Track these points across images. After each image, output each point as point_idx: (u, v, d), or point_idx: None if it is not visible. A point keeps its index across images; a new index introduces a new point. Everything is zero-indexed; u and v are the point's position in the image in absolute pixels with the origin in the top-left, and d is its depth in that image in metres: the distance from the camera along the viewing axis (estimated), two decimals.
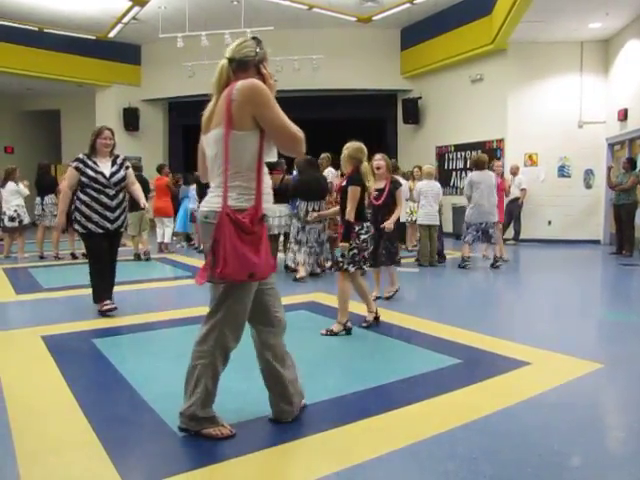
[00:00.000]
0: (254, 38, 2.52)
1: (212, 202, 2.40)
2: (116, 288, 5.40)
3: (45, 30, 13.37)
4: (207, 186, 2.55)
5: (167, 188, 10.29)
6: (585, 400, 3.11)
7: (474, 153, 12.66)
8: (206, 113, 2.49)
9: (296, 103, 15.83)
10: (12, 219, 9.13)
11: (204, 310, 5.34)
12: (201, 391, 2.50)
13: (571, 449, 2.49)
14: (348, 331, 4.38)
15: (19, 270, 7.92)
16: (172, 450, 2.46)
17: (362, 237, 4.42)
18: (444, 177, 12.91)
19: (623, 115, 10.63)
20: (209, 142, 2.45)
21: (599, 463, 2.38)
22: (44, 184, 9.57)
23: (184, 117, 16.36)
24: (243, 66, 2.44)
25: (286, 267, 7.51)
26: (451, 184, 13.31)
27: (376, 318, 4.59)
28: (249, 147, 2.37)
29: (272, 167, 7.87)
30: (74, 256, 9.28)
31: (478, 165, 8.25)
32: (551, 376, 3.41)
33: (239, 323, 2.52)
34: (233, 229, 2.30)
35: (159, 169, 10.72)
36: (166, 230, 10.31)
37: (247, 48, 2.47)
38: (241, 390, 3.17)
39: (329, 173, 8.22)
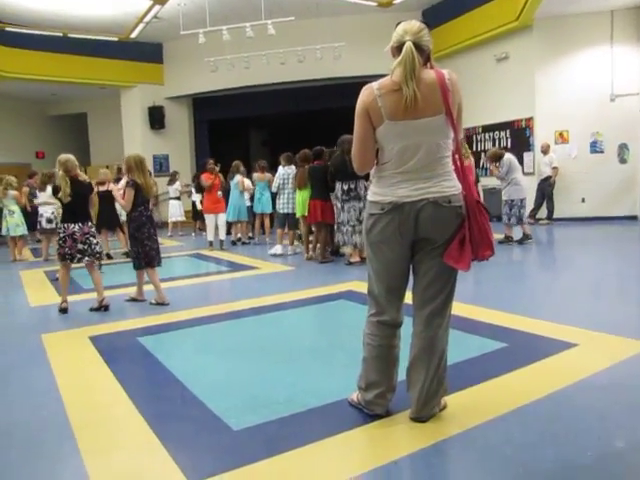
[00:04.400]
0: (427, 24, 2.42)
1: (447, 186, 2.37)
2: (152, 286, 5.53)
3: (69, 35, 13.54)
4: (365, 177, 2.60)
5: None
6: (637, 381, 3.06)
7: (502, 133, 12.52)
8: (404, 97, 2.26)
9: (319, 92, 15.88)
10: (49, 221, 9.35)
11: (245, 303, 5.45)
12: (446, 364, 2.58)
13: (629, 432, 2.45)
14: None
15: (49, 273, 8.09)
16: (229, 444, 2.50)
17: None
18: (473, 159, 12.73)
19: None
20: (421, 130, 2.31)
21: None
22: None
23: (209, 112, 16.50)
24: (421, 53, 2.35)
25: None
26: (480, 166, 13.12)
27: None
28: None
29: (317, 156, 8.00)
30: (109, 257, 9.44)
31: (498, 157, 8.92)
32: (600, 357, 3.36)
33: None
34: (485, 214, 2.40)
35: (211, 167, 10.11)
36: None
37: (426, 36, 2.39)
38: (291, 381, 3.21)
39: None
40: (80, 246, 5.32)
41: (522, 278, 6.68)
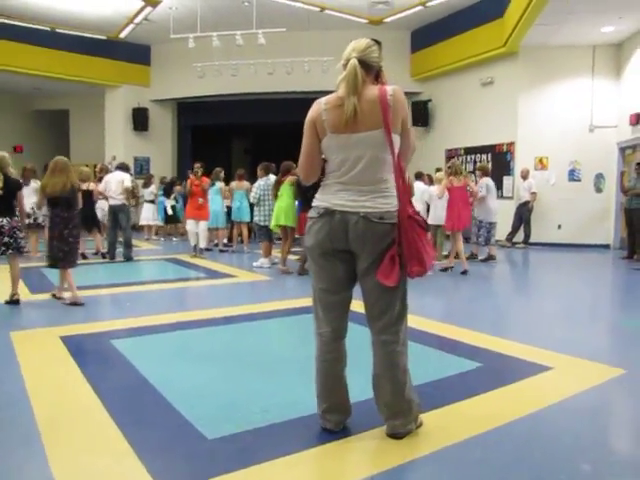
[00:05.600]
0: (377, 42, 2.49)
1: (382, 203, 2.38)
2: (132, 288, 5.42)
3: (57, 30, 13.39)
4: (314, 186, 2.60)
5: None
6: (611, 406, 3.10)
7: (484, 156, 12.70)
8: (345, 111, 2.34)
9: (306, 104, 15.92)
10: (28, 216, 9.16)
11: (223, 311, 5.40)
12: (411, 380, 2.59)
13: (602, 456, 2.48)
14: None
15: (32, 269, 7.92)
16: (203, 453, 2.46)
17: None
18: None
19: (635, 119, 10.59)
20: (359, 143, 2.37)
21: (630, 471, 2.37)
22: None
23: (193, 117, 16.42)
24: (368, 70, 2.43)
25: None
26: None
27: None
28: (397, 149, 2.44)
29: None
30: (84, 256, 9.28)
31: (486, 171, 9.41)
32: (574, 381, 3.40)
33: None
34: (419, 230, 2.39)
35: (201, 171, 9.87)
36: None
37: (374, 52, 2.46)
38: (268, 392, 3.17)
39: None
40: (6, 239, 5.47)
41: (498, 299, 6.74)
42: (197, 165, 9.86)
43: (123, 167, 9.82)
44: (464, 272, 7.73)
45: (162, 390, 3.20)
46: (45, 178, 5.76)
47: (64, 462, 2.35)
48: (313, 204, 2.53)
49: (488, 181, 9.19)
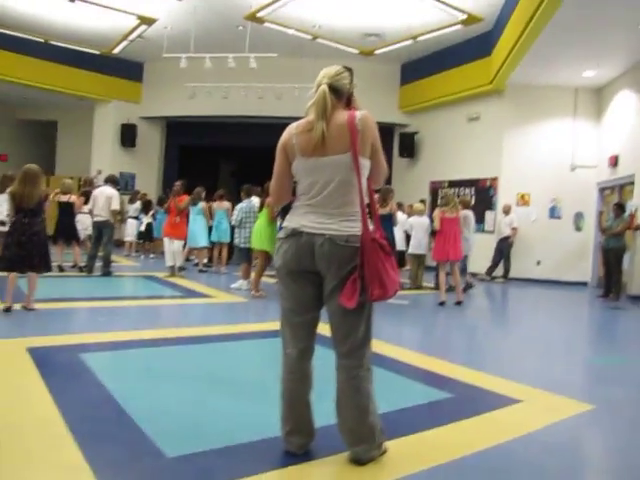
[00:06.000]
0: (348, 69, 2.54)
1: (348, 226, 2.40)
2: (106, 303, 5.37)
3: (51, 42, 13.43)
4: (287, 208, 2.62)
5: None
6: (578, 441, 3.11)
7: (467, 190, 12.87)
8: (313, 135, 2.39)
9: None
10: (2, 223, 9.03)
11: (196, 331, 5.35)
12: (375, 406, 2.53)
13: None
14: None
15: (3, 279, 7.80)
16: (160, 471, 2.41)
17: None
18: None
19: (614, 161, 10.84)
20: (326, 167, 2.41)
21: None
22: None
23: (181, 137, 16.46)
24: (338, 95, 2.47)
25: None
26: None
27: None
28: (366, 174, 2.47)
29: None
30: (61, 268, 9.18)
31: (467, 205, 9.66)
32: (542, 415, 3.40)
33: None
34: (382, 254, 2.38)
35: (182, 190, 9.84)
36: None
37: (345, 79, 2.51)
38: (234, 413, 3.13)
39: None
40: None
41: (473, 331, 6.76)
42: (177, 183, 9.85)
43: (112, 181, 9.63)
44: (441, 303, 7.75)
45: (126, 406, 3.14)
46: (15, 186, 5.73)
47: (12, 474, 2.28)
48: (282, 225, 2.57)
49: (470, 214, 9.40)
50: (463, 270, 9.16)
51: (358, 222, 2.41)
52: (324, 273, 2.43)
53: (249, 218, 8.46)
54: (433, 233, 8.62)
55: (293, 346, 2.55)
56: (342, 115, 2.43)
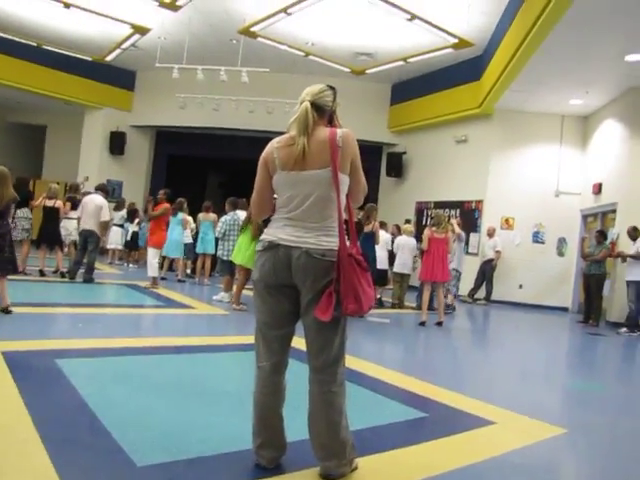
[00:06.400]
0: (331, 87, 2.60)
1: (325, 240, 2.42)
2: (86, 310, 5.33)
3: (43, 46, 13.43)
4: (267, 221, 2.62)
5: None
6: (548, 463, 3.12)
7: (453, 212, 12.97)
8: (289, 151, 2.45)
9: None
10: None
11: (174, 341, 5.33)
12: (347, 422, 2.53)
13: None
14: None
15: None
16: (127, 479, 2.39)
17: None
18: (421, 232, 13.08)
19: (598, 189, 11.01)
20: (305, 181, 2.44)
21: None
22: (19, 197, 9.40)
23: (170, 147, 16.47)
24: (320, 113, 2.52)
25: None
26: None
27: None
28: (346, 190, 2.51)
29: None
30: (42, 273, 9.10)
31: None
32: (515, 437, 3.42)
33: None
34: (358, 268, 2.40)
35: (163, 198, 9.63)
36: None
37: (328, 97, 2.56)
38: (207, 424, 3.12)
39: None
40: None
41: (452, 352, 6.79)
42: (161, 192, 9.80)
43: (103, 190, 9.55)
44: (422, 323, 7.78)
45: (99, 413, 3.11)
46: None
47: None
48: (260, 238, 2.59)
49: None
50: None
51: (335, 237, 2.44)
52: (300, 287, 2.44)
53: (232, 231, 8.49)
54: (422, 253, 8.71)
55: (266, 359, 2.56)
56: (323, 131, 2.47)
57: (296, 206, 2.48)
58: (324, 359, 2.46)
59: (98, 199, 9.18)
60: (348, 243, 2.47)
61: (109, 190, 9.77)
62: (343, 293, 2.35)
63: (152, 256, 9.25)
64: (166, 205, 9.52)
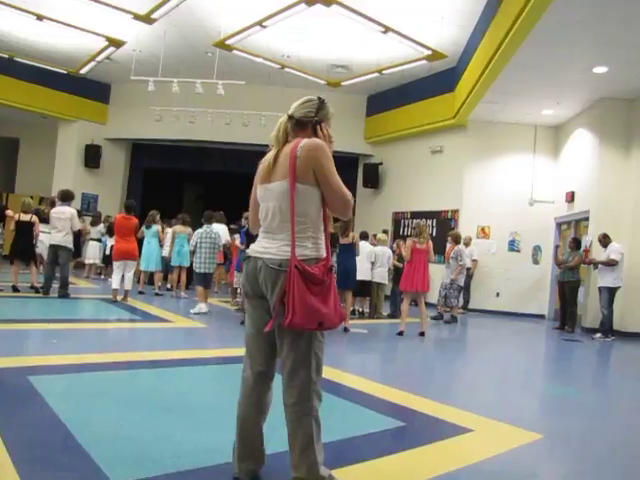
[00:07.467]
0: (320, 99, 2.59)
1: (284, 251, 2.40)
2: (61, 325, 5.25)
3: (16, 59, 13.29)
4: (256, 236, 2.63)
5: (135, 230, 9.47)
6: (524, 469, 3.15)
7: (429, 222, 13.08)
8: (265, 164, 2.51)
9: (259, 157, 16.17)
10: None
11: (151, 355, 5.27)
12: (314, 450, 2.38)
13: None
14: None
15: None
16: None
17: None
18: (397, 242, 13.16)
19: (570, 197, 11.22)
20: (271, 193, 2.47)
21: None
22: None
23: (146, 160, 16.37)
24: (301, 125, 2.52)
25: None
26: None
27: None
28: (314, 200, 2.43)
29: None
30: (15, 289, 8.95)
31: (457, 239, 10.10)
32: (492, 444, 3.44)
33: (322, 368, 2.50)
34: (302, 280, 2.33)
35: (130, 208, 9.63)
36: (127, 275, 9.25)
37: (308, 108, 2.55)
38: (184, 438, 3.09)
39: None
40: None
41: (429, 361, 6.82)
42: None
43: (69, 197, 9.31)
44: (400, 333, 7.81)
45: (74, 430, 3.06)
46: None
47: None
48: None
49: (460, 247, 10.07)
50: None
51: (298, 248, 2.40)
52: (267, 297, 2.46)
53: (204, 243, 8.60)
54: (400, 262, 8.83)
55: (250, 368, 2.55)
56: (292, 143, 2.47)
57: (265, 218, 2.52)
58: (289, 368, 2.42)
59: (66, 211, 9.01)
60: (315, 254, 2.43)
61: (72, 195, 9.46)
62: (286, 304, 2.33)
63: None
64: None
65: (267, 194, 2.50)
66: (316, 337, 2.44)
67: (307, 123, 2.54)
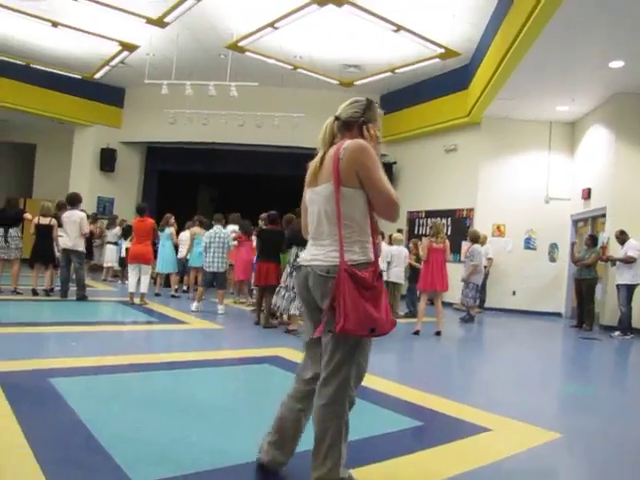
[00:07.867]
0: (368, 100, 2.56)
1: (331, 257, 2.36)
2: (79, 328, 5.31)
3: (32, 65, 13.46)
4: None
5: (152, 231, 9.37)
6: (543, 468, 3.14)
7: (444, 220, 13.00)
8: (312, 167, 2.50)
9: (274, 158, 16.21)
10: None
11: (169, 357, 5.32)
12: (338, 452, 2.39)
13: None
14: None
15: None
16: None
17: None
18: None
19: (587, 194, 11.10)
20: (317, 196, 2.45)
21: None
22: (9, 216, 9.36)
23: (161, 162, 16.49)
24: (347, 126, 2.50)
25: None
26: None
27: None
28: (359, 203, 2.38)
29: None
30: (35, 292, 9.06)
31: (475, 239, 9.89)
32: (511, 443, 3.43)
33: (363, 376, 2.52)
34: (353, 285, 2.28)
35: (141, 210, 9.57)
36: (143, 278, 9.20)
37: (354, 109, 2.52)
38: (203, 439, 3.11)
39: None
40: None
41: (447, 360, 6.80)
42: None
43: (74, 201, 9.33)
44: (416, 332, 7.79)
45: (95, 431, 3.10)
46: None
47: None
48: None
49: (476, 246, 9.88)
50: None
51: (347, 253, 2.35)
52: (319, 304, 2.43)
53: (213, 243, 8.70)
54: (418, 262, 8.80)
55: (303, 369, 2.58)
56: (337, 145, 2.43)
57: (312, 222, 2.50)
58: (326, 373, 2.40)
59: (76, 215, 9.13)
60: (364, 258, 2.38)
61: (80, 198, 9.60)
62: (336, 310, 2.29)
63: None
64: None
65: (314, 197, 2.47)
66: (361, 345, 2.41)
67: (353, 124, 2.50)
